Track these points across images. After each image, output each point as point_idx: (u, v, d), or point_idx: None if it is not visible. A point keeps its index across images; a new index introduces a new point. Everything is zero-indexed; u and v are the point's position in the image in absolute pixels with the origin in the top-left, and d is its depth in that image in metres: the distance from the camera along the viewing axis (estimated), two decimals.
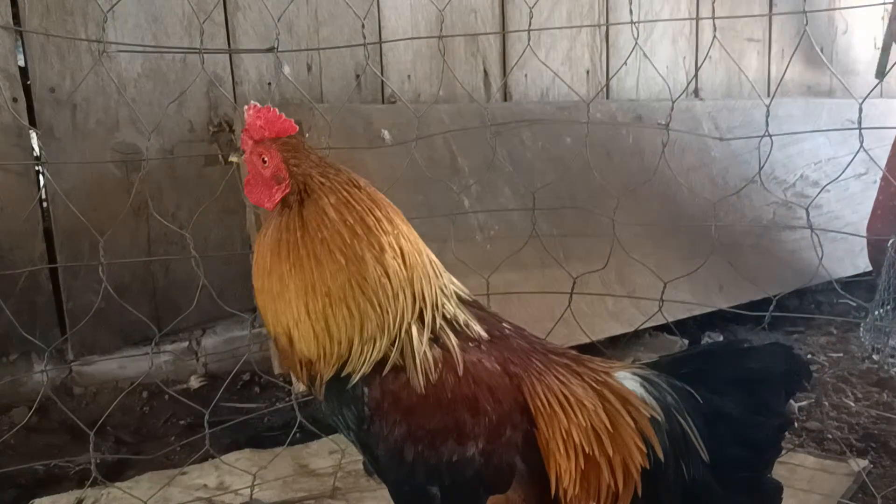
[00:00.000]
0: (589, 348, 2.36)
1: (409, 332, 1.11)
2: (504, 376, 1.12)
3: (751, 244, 3.00)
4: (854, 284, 3.00)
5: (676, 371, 1.16)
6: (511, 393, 1.11)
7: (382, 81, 2.78)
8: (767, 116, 1.48)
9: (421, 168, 2.12)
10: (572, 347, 2.43)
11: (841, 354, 2.76)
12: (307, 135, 2.32)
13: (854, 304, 3.02)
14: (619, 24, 3.26)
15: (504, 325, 1.21)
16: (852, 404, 2.34)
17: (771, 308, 1.64)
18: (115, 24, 2.30)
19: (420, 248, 1.18)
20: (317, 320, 1.10)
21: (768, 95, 3.73)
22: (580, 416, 1.12)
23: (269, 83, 2.59)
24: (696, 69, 3.55)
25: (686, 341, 2.45)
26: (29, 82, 2.27)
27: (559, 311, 2.09)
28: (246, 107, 1.18)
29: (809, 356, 2.75)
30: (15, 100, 2.23)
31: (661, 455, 1.11)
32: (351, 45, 2.54)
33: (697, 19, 3.55)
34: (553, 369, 1.16)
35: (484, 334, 1.15)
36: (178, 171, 2.47)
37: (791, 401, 1.22)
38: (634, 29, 1.63)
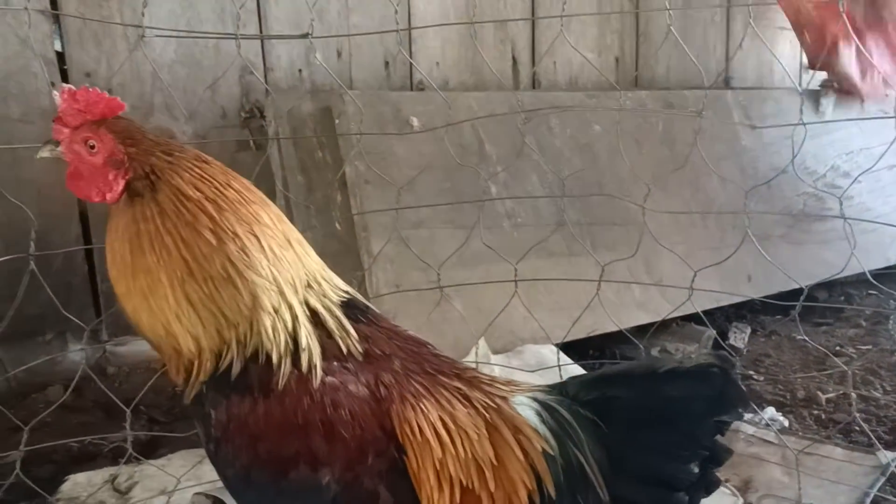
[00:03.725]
0: (616, 336, 2.37)
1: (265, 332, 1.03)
2: (370, 401, 1.03)
3: (780, 234, 2.97)
4: (885, 277, 2.97)
5: (583, 397, 1.03)
6: (376, 418, 1.02)
7: (411, 68, 2.79)
8: (802, 105, 1.47)
9: (449, 155, 2.13)
10: (598, 336, 2.46)
11: (870, 347, 2.74)
12: (337, 121, 2.34)
13: (884, 296, 2.99)
14: (650, 10, 3.23)
15: (394, 341, 1.11)
16: (880, 396, 2.32)
17: (801, 298, 1.64)
18: (150, 10, 2.33)
19: (288, 233, 1.09)
20: (202, 307, 1.02)
21: (800, 84, 3.68)
22: (459, 446, 1.02)
23: (300, 70, 2.61)
24: (728, 57, 3.52)
25: (713, 332, 2.44)
26: (66, 67, 2.31)
27: (585, 300, 2.09)
28: (56, 92, 1.07)
29: (838, 348, 2.73)
30: (52, 84, 2.27)
31: (552, 492, 1.00)
32: (381, 32, 2.55)
33: (729, 6, 3.51)
34: (437, 393, 1.06)
35: (358, 352, 1.06)
36: (210, 156, 2.50)
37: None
38: (668, 16, 1.62)
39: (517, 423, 1.03)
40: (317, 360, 1.03)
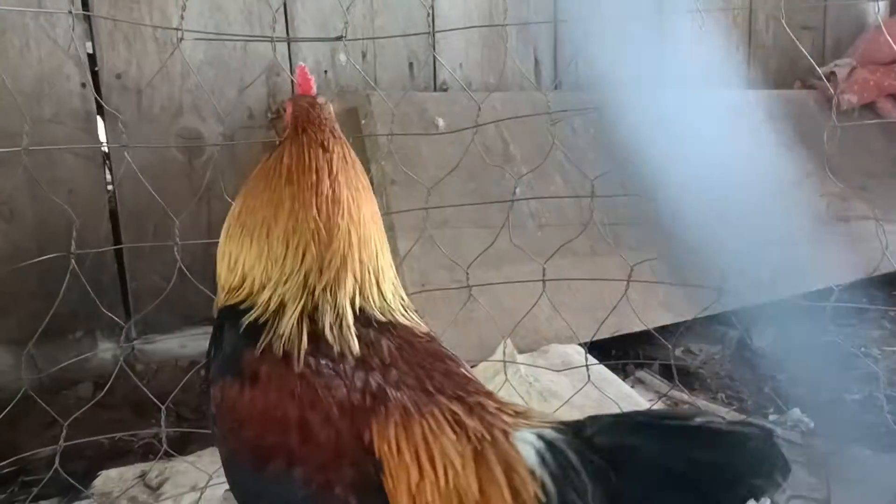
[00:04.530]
0: (639, 337, 2.37)
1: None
2: (351, 408, 0.99)
3: (805, 235, 2.96)
4: None
5: (598, 441, 0.92)
6: (354, 427, 0.99)
7: (435, 69, 2.81)
8: (836, 106, 1.47)
9: (474, 155, 2.15)
10: (622, 336, 2.46)
11: (895, 348, 2.72)
12: (363, 121, 2.37)
13: None
14: (673, 13, 3.22)
15: (403, 351, 1.07)
16: None
17: (833, 299, 1.63)
18: (180, 13, 2.35)
19: (353, 238, 1.11)
20: (229, 241, 1.16)
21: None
22: (440, 474, 0.95)
23: (326, 71, 2.63)
24: (750, 57, 3.51)
25: (737, 332, 2.44)
26: (97, 68, 2.34)
27: (609, 299, 2.09)
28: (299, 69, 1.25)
29: (863, 349, 2.72)
30: (83, 85, 2.31)
31: None
32: (407, 35, 2.56)
33: (751, 8, 3.50)
34: (427, 414, 1.00)
35: (353, 357, 1.04)
36: (237, 156, 2.53)
37: None
38: (700, 16, 1.62)
39: (511, 460, 0.94)
40: (301, 355, 1.02)
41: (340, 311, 1.07)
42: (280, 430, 0.99)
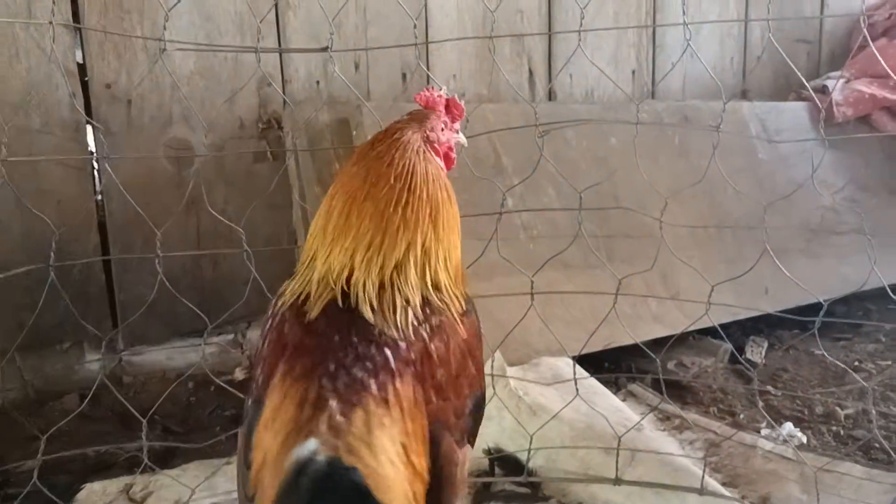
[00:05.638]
0: (631, 350, 2.35)
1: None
2: (280, 349, 1.14)
3: (798, 248, 2.95)
4: None
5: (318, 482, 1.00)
6: (274, 365, 1.13)
7: (428, 81, 2.80)
8: (826, 119, 1.46)
9: (465, 166, 2.13)
10: (614, 349, 2.44)
11: (889, 362, 2.71)
12: (354, 132, 2.36)
13: None
14: (667, 25, 3.23)
15: (342, 335, 1.13)
16: None
17: (821, 314, 1.62)
18: (170, 23, 2.35)
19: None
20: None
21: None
22: (273, 434, 1.06)
23: (318, 81, 2.63)
24: (745, 70, 3.51)
25: (730, 345, 2.42)
26: (87, 78, 2.33)
27: (601, 312, 2.08)
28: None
29: (857, 363, 2.70)
30: (73, 95, 2.30)
31: None
32: (399, 46, 2.55)
33: (746, 21, 3.50)
34: (304, 386, 1.07)
35: (308, 317, 1.15)
36: (227, 167, 2.52)
37: None
38: (686, 30, 1.62)
39: (286, 455, 1.01)
40: (289, 301, 1.19)
41: (328, 289, 1.17)
42: (260, 345, 1.19)
